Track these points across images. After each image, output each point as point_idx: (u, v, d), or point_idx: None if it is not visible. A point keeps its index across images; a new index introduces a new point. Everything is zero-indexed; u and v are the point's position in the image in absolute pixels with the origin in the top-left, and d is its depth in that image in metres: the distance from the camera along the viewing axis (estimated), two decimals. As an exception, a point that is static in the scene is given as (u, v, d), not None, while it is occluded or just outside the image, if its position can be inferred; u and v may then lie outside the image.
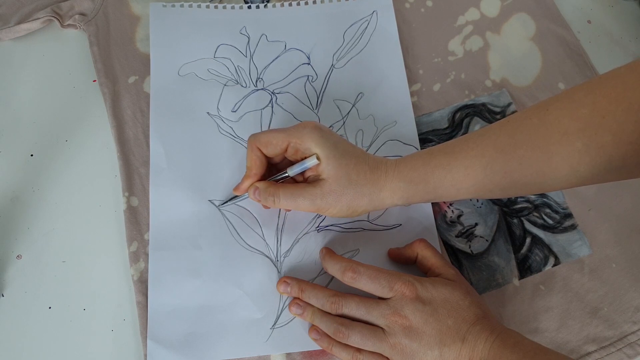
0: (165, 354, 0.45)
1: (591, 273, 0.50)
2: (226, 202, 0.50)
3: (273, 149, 0.45)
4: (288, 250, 0.49)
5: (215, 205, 0.50)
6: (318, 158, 0.44)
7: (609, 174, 0.39)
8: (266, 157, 0.46)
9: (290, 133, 0.45)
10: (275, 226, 0.50)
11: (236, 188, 0.47)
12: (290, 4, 0.58)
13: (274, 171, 0.48)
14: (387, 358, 0.42)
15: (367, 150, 0.53)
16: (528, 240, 0.51)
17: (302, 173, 0.46)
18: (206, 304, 0.47)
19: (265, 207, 0.49)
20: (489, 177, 0.41)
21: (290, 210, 0.50)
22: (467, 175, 0.42)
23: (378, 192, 0.44)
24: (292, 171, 0.45)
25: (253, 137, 0.46)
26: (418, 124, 0.55)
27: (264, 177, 0.47)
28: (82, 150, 0.53)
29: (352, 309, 0.43)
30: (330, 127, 0.54)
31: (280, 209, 0.50)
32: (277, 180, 0.47)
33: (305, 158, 0.45)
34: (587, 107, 0.38)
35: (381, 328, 0.42)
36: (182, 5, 0.57)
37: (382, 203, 0.45)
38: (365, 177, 0.44)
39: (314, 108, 0.55)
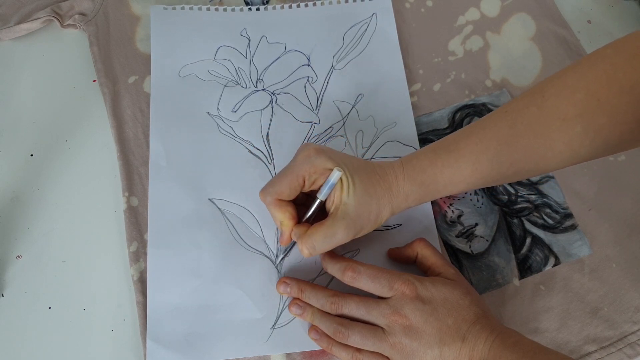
0: (165, 354, 0.45)
1: (591, 273, 0.50)
2: (282, 256, 0.49)
3: (293, 192, 0.43)
4: (288, 251, 0.49)
5: (217, 207, 0.50)
6: (339, 169, 0.42)
7: (606, 151, 0.41)
8: (289, 202, 0.44)
9: (299, 168, 0.43)
10: (275, 226, 0.50)
11: (281, 240, 0.46)
12: (290, 6, 0.58)
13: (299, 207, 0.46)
14: (387, 358, 0.42)
15: (366, 151, 0.53)
16: (528, 240, 0.51)
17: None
18: (206, 303, 0.47)
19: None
20: (496, 169, 0.42)
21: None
22: (475, 171, 0.42)
23: (395, 198, 0.43)
24: (321, 194, 0.43)
25: (266, 193, 0.44)
26: (418, 124, 0.55)
27: (299, 218, 0.45)
28: (82, 150, 0.53)
29: (352, 309, 0.43)
30: (330, 127, 0.54)
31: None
32: (313, 214, 0.45)
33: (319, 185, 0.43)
34: (581, 92, 0.39)
35: (381, 328, 0.42)
36: (182, 8, 0.57)
37: (399, 207, 0.44)
38: (381, 187, 0.43)
39: (314, 109, 0.55)
